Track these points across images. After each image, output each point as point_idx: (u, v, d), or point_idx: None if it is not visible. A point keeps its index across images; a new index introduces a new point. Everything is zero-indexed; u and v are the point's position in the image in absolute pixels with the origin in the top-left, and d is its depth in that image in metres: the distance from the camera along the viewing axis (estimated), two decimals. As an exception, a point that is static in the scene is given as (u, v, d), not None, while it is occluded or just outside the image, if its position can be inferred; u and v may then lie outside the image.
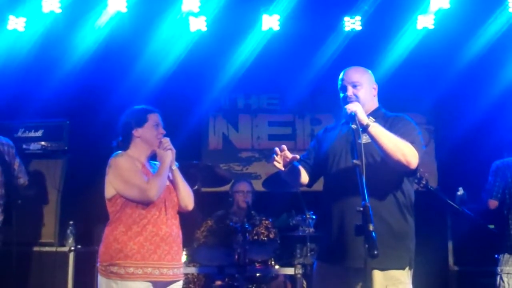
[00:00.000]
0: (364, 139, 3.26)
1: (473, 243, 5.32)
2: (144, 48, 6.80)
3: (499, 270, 5.18)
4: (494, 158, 5.48)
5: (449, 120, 7.53)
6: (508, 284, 5.07)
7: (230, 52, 7.02)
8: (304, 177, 3.69)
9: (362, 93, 3.52)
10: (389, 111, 3.61)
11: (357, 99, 3.46)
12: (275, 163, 3.34)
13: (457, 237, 6.37)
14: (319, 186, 3.76)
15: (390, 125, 3.39)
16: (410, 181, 3.49)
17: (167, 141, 3.76)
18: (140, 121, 3.77)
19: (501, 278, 5.11)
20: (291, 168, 3.46)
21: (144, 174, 3.68)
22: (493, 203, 5.35)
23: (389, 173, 3.33)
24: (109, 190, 3.67)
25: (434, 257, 6.47)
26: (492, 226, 5.59)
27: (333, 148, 3.57)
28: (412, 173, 3.41)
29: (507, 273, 5.09)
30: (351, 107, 3.29)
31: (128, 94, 6.43)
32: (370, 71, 3.66)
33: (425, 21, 6.83)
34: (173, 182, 3.81)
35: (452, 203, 5.77)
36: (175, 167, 3.80)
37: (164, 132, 3.80)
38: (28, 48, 6.69)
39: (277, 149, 3.34)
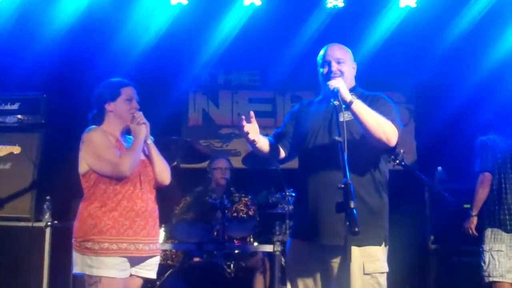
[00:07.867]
0: (345, 116, 3.23)
1: (451, 222, 5.32)
2: (124, 21, 6.67)
3: (487, 248, 5.05)
4: (474, 138, 5.45)
5: (429, 99, 7.54)
6: (499, 262, 4.99)
7: (211, 27, 6.93)
8: (281, 152, 3.68)
9: (346, 69, 3.49)
10: (366, 90, 3.58)
11: (341, 74, 3.44)
12: (247, 135, 3.40)
13: (435, 215, 6.38)
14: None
15: (369, 104, 3.35)
16: (385, 159, 3.52)
17: (140, 115, 3.70)
18: (113, 95, 3.71)
19: (491, 255, 5.01)
20: (265, 143, 3.54)
21: (118, 149, 3.62)
22: (487, 177, 5.13)
23: (368, 151, 3.33)
24: (83, 166, 3.62)
25: (413, 235, 6.50)
26: (467, 206, 5.50)
27: (311, 125, 3.53)
28: (391, 151, 3.43)
29: (497, 250, 5.00)
30: (334, 83, 3.25)
31: (107, 68, 6.31)
32: (350, 50, 3.62)
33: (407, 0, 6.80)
34: (148, 156, 3.76)
35: (429, 182, 5.71)
36: (150, 141, 3.75)
37: (137, 106, 3.74)
38: (4, 20, 6.53)
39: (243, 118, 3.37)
